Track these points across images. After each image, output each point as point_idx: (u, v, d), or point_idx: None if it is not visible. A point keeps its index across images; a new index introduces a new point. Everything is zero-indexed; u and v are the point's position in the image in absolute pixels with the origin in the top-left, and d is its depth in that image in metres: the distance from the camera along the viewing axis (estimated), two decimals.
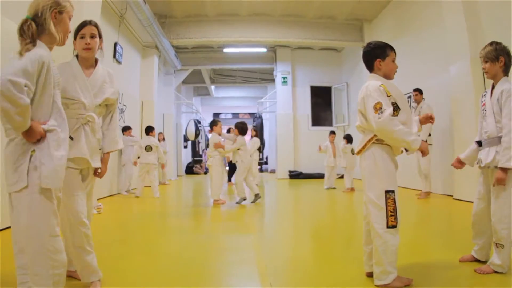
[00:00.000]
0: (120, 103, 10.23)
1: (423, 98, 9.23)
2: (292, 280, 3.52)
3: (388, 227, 3.03)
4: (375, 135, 3.15)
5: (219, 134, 8.99)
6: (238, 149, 8.76)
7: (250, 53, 18.32)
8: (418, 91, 9.27)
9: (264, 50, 17.75)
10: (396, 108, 3.10)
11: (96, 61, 3.32)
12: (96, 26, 3.24)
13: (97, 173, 3.29)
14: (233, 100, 28.49)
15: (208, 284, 3.44)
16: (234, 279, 3.71)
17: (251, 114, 27.61)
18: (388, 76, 3.32)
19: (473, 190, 3.84)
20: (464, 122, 8.04)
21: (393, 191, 3.08)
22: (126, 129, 10.56)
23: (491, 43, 3.58)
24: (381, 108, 3.04)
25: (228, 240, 5.41)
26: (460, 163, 3.91)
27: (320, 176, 16.27)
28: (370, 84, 3.21)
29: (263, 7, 14.07)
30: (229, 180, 14.62)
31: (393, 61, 3.34)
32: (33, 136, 2.46)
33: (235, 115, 31.70)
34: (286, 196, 11.70)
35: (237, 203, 8.63)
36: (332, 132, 12.30)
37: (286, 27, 14.81)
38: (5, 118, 2.31)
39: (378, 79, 3.26)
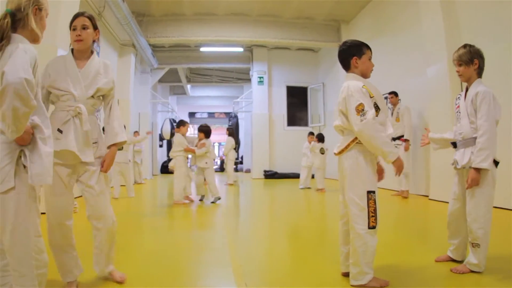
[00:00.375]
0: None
1: (399, 100, 9.36)
2: (267, 280, 3.53)
3: (369, 228, 3.04)
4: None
5: (183, 135, 9.05)
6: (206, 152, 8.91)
7: (227, 53, 18.29)
8: (394, 93, 9.39)
9: (240, 49, 17.76)
10: (376, 109, 3.12)
11: (92, 52, 3.26)
12: (89, 17, 3.19)
13: (102, 167, 3.20)
14: (209, 100, 28.38)
15: (182, 284, 3.42)
16: (209, 279, 3.71)
17: (227, 114, 27.56)
18: (365, 75, 3.32)
19: (448, 191, 3.89)
20: (440, 123, 8.11)
21: (374, 192, 3.09)
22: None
23: (465, 46, 3.63)
24: (363, 110, 3.03)
25: (203, 240, 5.40)
26: (426, 139, 3.97)
27: (295, 176, 16.34)
28: (351, 84, 3.18)
29: (240, 6, 14.06)
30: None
31: (370, 59, 3.34)
32: (26, 139, 2.41)
33: (211, 114, 31.62)
34: (261, 196, 11.73)
35: (212, 202, 8.70)
36: (311, 133, 12.35)
37: (263, 27, 14.82)
38: (12, 118, 2.19)
39: (358, 79, 3.26)
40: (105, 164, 3.18)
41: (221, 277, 3.70)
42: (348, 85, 3.20)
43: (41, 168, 2.44)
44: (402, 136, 9.15)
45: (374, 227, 3.05)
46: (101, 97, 3.27)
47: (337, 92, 11.20)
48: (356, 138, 3.15)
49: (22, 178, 2.43)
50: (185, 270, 3.85)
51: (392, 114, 9.36)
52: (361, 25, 14.04)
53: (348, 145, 3.19)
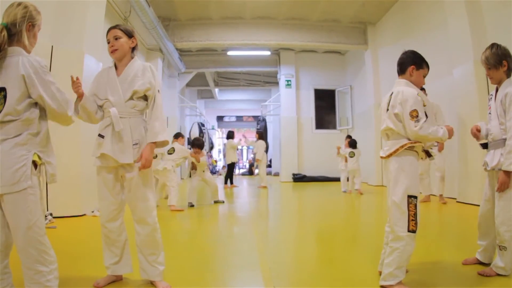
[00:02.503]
0: None
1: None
2: (296, 283, 3.51)
3: (409, 231, 3.05)
4: (408, 142, 3.16)
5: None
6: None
7: (254, 56, 18.36)
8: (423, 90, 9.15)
9: (268, 53, 17.82)
10: (426, 117, 3.15)
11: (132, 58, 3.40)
12: (121, 28, 3.33)
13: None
14: (236, 103, 28.50)
15: (211, 285, 3.44)
16: (238, 281, 3.70)
17: (255, 117, 27.63)
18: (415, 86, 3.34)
19: (475, 193, 3.84)
20: (467, 125, 7.98)
21: (415, 197, 3.11)
22: None
23: (491, 46, 3.56)
24: (417, 116, 3.08)
25: (231, 242, 5.41)
26: (478, 132, 3.83)
27: (324, 179, 16.31)
28: (405, 90, 3.22)
29: (267, 10, 14.10)
30: (226, 182, 14.91)
31: (424, 76, 3.38)
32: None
33: (239, 118, 31.76)
34: (290, 199, 11.69)
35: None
36: (348, 137, 12.51)
37: (290, 30, 14.82)
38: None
39: (410, 86, 3.28)
40: (142, 160, 3.19)
41: (249, 279, 3.70)
42: (402, 91, 3.22)
43: (55, 168, 2.71)
44: None
45: (414, 231, 3.05)
46: (142, 99, 3.32)
47: (364, 94, 11.31)
48: (406, 144, 3.16)
49: (34, 179, 2.57)
50: (213, 272, 3.86)
51: None
52: (387, 27, 13.93)
53: (397, 150, 3.19)
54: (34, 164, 2.57)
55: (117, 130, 3.16)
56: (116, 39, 3.28)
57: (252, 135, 20.10)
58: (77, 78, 3.10)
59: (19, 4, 2.65)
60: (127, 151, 3.18)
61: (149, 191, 3.32)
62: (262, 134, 15.22)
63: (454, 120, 8.94)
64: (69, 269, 3.62)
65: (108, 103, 3.22)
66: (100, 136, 3.24)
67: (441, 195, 8.78)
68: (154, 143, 3.26)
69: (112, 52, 3.29)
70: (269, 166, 24.00)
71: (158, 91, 3.34)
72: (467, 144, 7.96)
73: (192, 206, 8.79)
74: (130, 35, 3.35)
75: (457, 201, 8.53)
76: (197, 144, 9.22)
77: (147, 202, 3.28)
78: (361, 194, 11.24)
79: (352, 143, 11.73)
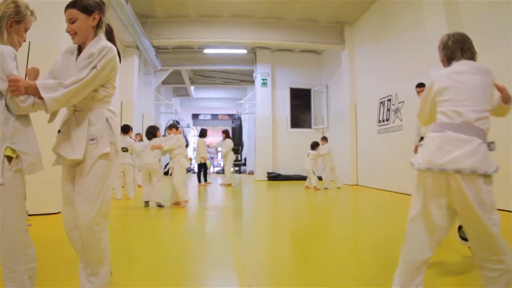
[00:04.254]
0: None
1: None
2: (270, 281, 3.53)
3: None
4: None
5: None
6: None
7: (230, 54, 18.28)
8: (423, 86, 8.91)
9: (244, 51, 17.79)
10: None
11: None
12: (75, 7, 2.77)
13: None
14: (212, 101, 28.42)
15: (185, 285, 3.41)
16: (212, 280, 3.70)
17: (230, 116, 27.60)
18: None
19: None
20: None
21: None
22: None
23: None
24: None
25: (205, 241, 5.38)
26: None
27: (298, 178, 16.34)
28: None
29: (244, 8, 14.08)
30: (199, 181, 14.84)
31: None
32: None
33: (214, 116, 31.69)
34: (264, 198, 11.71)
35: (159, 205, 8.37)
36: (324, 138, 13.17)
37: (267, 29, 14.83)
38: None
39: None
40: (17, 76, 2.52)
41: (224, 278, 3.68)
42: None
43: (33, 158, 2.60)
44: None
45: None
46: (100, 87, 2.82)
47: (340, 94, 11.59)
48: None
49: (8, 175, 2.49)
50: (187, 272, 3.83)
51: None
52: (364, 27, 14.05)
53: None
54: (9, 158, 2.48)
55: (81, 128, 2.73)
56: (72, 22, 2.76)
57: (219, 134, 20.13)
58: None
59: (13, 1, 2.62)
60: (79, 146, 2.70)
61: (97, 194, 2.72)
62: (228, 133, 15.16)
63: None
64: (50, 269, 3.56)
65: None
66: (59, 132, 2.83)
67: None
68: (38, 90, 2.51)
69: (72, 38, 2.80)
70: (244, 164, 24.02)
71: (95, 67, 2.68)
72: None
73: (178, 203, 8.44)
74: (89, 11, 2.79)
75: None
76: (146, 132, 8.60)
77: (88, 206, 2.68)
78: (318, 190, 12.08)
79: (311, 145, 12.71)
